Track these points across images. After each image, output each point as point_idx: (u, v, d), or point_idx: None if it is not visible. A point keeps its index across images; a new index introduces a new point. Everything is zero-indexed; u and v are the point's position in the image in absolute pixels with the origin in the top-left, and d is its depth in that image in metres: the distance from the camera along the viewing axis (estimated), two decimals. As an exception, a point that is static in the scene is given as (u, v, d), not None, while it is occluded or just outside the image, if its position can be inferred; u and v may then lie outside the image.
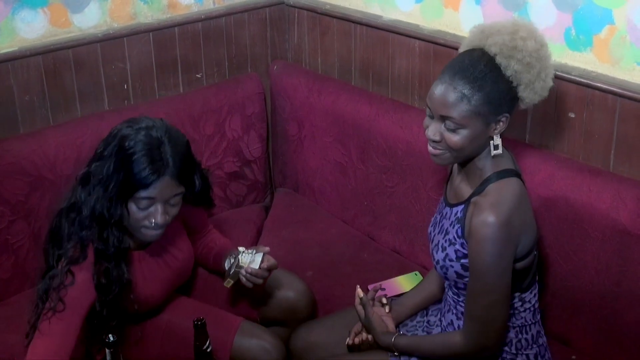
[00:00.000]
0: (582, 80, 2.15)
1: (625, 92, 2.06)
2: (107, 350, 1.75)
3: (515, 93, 1.81)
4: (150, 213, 1.95)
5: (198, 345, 1.82)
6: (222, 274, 2.25)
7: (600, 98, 2.12)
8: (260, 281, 2.13)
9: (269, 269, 2.13)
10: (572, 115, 2.20)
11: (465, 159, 1.89)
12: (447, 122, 1.80)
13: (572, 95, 2.18)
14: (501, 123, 1.82)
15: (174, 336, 2.17)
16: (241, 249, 2.17)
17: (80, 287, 1.93)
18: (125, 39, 2.69)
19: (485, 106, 1.78)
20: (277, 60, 3.11)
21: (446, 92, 1.78)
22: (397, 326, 2.12)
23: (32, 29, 2.53)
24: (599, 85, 2.12)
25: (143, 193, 1.91)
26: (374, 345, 2.07)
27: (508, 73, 1.78)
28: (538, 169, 2.19)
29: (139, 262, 2.11)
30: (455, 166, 1.97)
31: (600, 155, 2.17)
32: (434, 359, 1.95)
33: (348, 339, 2.11)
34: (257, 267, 2.10)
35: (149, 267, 2.13)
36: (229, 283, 2.15)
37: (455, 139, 1.81)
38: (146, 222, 1.96)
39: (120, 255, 1.98)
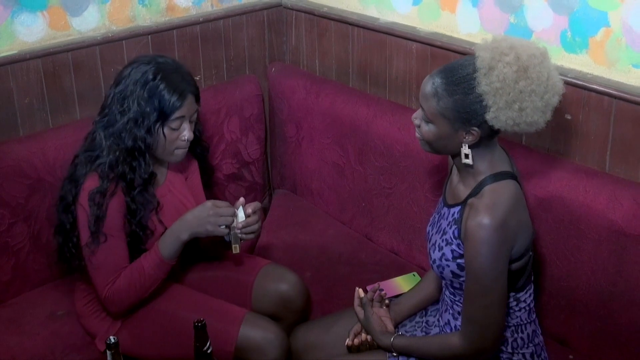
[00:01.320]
0: (578, 82, 2.16)
1: (620, 94, 2.08)
2: (107, 352, 1.77)
3: (485, 112, 1.78)
4: (181, 131, 2.20)
5: (198, 346, 1.83)
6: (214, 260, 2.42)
7: (596, 100, 2.14)
8: (255, 227, 2.24)
9: (254, 211, 2.24)
10: (568, 116, 2.21)
11: (441, 153, 1.93)
12: (423, 112, 1.86)
13: (568, 97, 2.18)
14: (470, 136, 1.83)
15: (177, 328, 2.20)
16: None
17: (113, 216, 2.15)
18: (124, 41, 2.70)
19: (451, 112, 1.80)
20: (275, 62, 3.12)
21: (427, 83, 1.84)
22: (396, 327, 2.13)
23: (32, 32, 2.54)
24: (595, 87, 2.13)
25: (176, 114, 2.16)
26: (374, 346, 2.08)
27: (478, 90, 1.77)
28: (535, 170, 2.20)
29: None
30: (454, 166, 1.99)
31: (597, 156, 2.19)
32: (430, 357, 1.96)
33: (347, 340, 2.12)
34: (243, 218, 2.21)
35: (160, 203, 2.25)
36: (235, 248, 2.23)
37: (424, 129, 1.88)
38: (179, 142, 2.21)
39: (150, 179, 2.21)
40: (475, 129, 1.81)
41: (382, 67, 2.76)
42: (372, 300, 2.14)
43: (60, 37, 2.60)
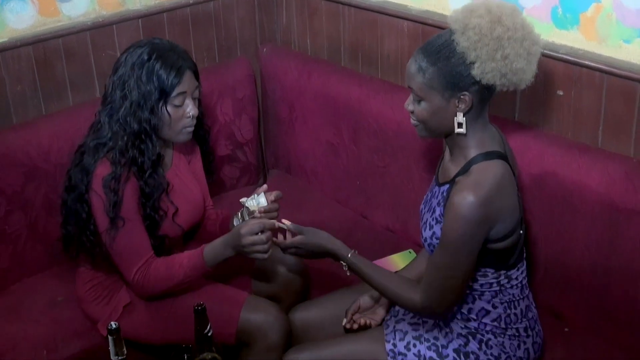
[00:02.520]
0: (570, 58, 2.17)
1: (612, 70, 2.09)
2: (109, 338, 1.79)
3: (470, 71, 1.80)
4: (185, 108, 2.21)
5: (199, 329, 1.85)
6: None
7: (588, 75, 2.15)
8: (275, 214, 2.23)
9: (276, 199, 2.24)
10: (560, 93, 2.22)
11: (438, 133, 1.93)
12: (413, 94, 1.88)
13: (560, 73, 2.20)
14: (463, 103, 1.84)
15: (179, 312, 2.22)
16: (243, 200, 2.26)
17: (129, 200, 2.15)
18: (114, 26, 2.69)
19: (438, 81, 1.82)
20: (266, 43, 3.11)
21: (411, 63, 1.87)
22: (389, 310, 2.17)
23: (21, 19, 2.53)
24: (586, 63, 2.14)
25: (177, 90, 2.17)
26: (370, 327, 2.11)
27: (458, 50, 1.80)
28: (527, 147, 2.22)
29: None
30: (446, 145, 2.00)
31: (589, 132, 2.20)
32: (381, 292, 2.02)
33: (344, 321, 2.15)
34: (266, 204, 2.21)
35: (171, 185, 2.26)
36: None
37: (418, 110, 1.89)
38: (185, 120, 2.22)
39: (158, 161, 2.22)
40: (466, 93, 1.82)
41: (373, 46, 2.76)
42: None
43: (51, 24, 2.59)
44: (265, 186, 2.27)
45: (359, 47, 2.82)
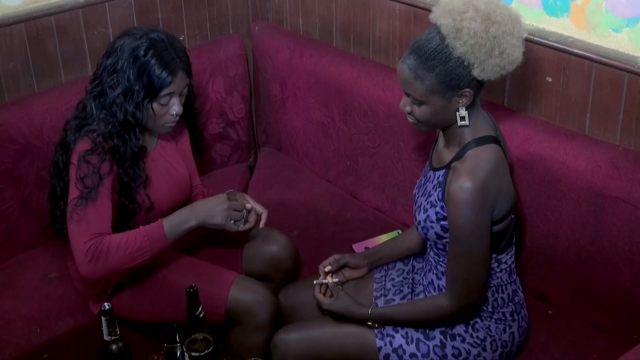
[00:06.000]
0: (559, 45, 2.19)
1: (600, 58, 2.11)
2: (102, 318, 1.82)
3: (470, 71, 1.83)
4: (170, 106, 2.22)
5: (191, 311, 1.88)
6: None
7: (577, 63, 2.17)
8: (261, 209, 2.31)
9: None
10: (549, 79, 2.25)
11: (440, 127, 1.96)
12: (410, 97, 1.89)
13: (549, 60, 2.22)
14: (464, 98, 1.86)
15: (169, 291, 2.24)
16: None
17: (103, 179, 2.14)
18: (107, 4, 2.68)
19: (439, 85, 1.84)
20: (258, 21, 3.11)
21: (403, 70, 1.87)
22: (373, 269, 2.26)
23: (14, -4, 2.52)
24: (575, 50, 2.16)
25: (165, 90, 2.17)
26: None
27: (455, 54, 1.81)
28: (516, 132, 2.24)
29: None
30: (440, 131, 2.03)
31: (576, 118, 2.23)
32: (417, 325, 2.03)
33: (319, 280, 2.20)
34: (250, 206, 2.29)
35: (153, 167, 2.28)
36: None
37: (418, 112, 1.90)
38: (168, 117, 2.23)
39: (140, 154, 2.23)
40: (467, 89, 1.85)
41: (365, 28, 2.77)
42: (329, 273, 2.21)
43: (43, 1, 2.58)
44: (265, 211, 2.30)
45: (351, 27, 2.83)
